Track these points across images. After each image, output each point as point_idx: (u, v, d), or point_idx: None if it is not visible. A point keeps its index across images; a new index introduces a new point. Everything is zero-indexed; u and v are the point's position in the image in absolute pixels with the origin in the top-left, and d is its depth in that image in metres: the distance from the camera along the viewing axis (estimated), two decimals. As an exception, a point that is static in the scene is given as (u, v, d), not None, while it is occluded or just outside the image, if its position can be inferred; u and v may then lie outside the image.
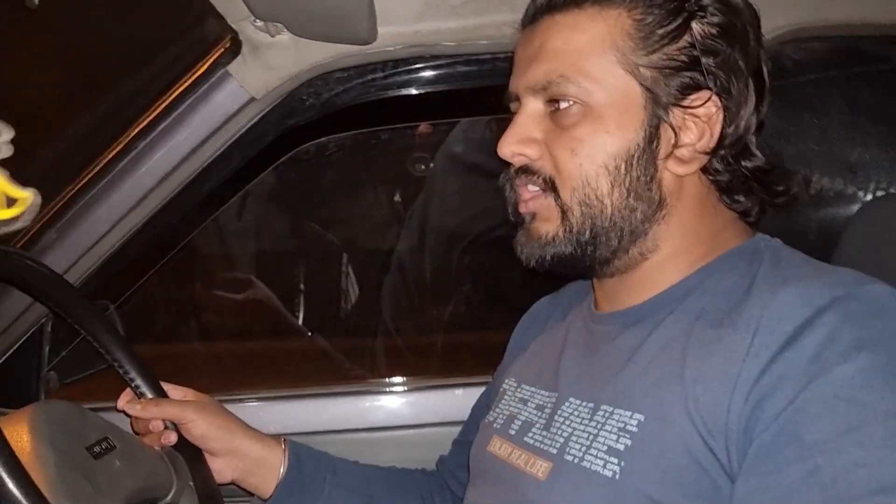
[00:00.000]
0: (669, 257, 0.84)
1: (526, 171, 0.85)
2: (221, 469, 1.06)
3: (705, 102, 0.80)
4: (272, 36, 1.08)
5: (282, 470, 1.07)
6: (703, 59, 0.79)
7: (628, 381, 0.79)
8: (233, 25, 1.07)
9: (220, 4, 1.04)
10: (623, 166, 0.80)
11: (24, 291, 1.10)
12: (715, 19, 0.80)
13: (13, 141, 0.59)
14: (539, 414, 0.89)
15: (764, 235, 0.86)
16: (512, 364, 1.05)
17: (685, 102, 0.80)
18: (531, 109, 0.84)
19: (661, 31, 0.79)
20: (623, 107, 0.80)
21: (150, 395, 1.05)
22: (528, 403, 0.92)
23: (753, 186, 0.84)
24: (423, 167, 2.12)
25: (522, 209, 0.86)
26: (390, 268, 2.16)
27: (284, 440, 1.11)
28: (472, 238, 2.07)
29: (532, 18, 0.86)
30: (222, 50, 1.13)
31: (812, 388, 0.65)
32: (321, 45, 1.11)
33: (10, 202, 0.57)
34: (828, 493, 0.62)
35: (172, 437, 1.03)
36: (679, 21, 0.79)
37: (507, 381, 1.01)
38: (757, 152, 0.83)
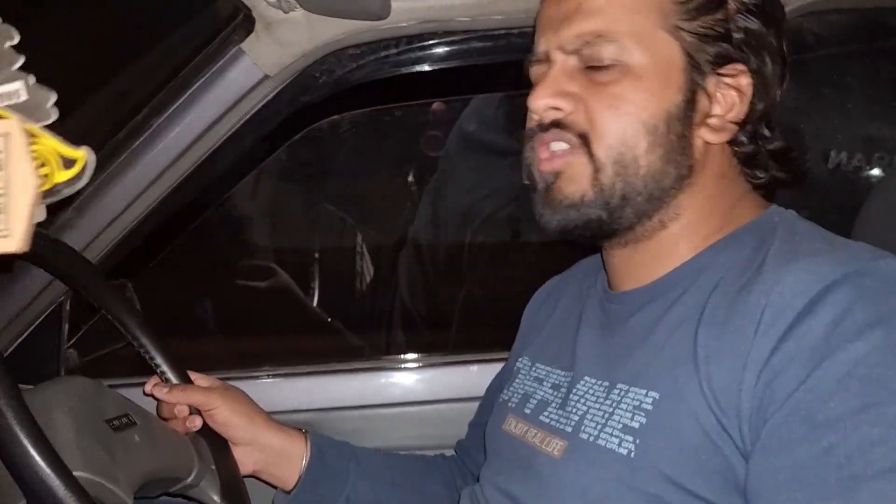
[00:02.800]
0: (686, 228, 0.83)
1: (557, 125, 0.82)
2: (243, 459, 1.07)
3: (739, 75, 0.80)
4: (285, 12, 1.08)
5: (304, 462, 1.07)
6: (741, 31, 0.79)
7: (644, 359, 0.79)
8: (246, 2, 1.07)
9: (233, -19, 1.03)
10: (663, 126, 0.79)
11: (50, 272, 1.10)
12: None
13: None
14: (555, 393, 0.89)
15: (779, 208, 0.85)
16: (525, 343, 1.04)
17: (720, 71, 0.80)
18: (565, 65, 0.82)
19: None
20: (664, 69, 0.79)
21: (175, 381, 1.06)
22: (544, 383, 0.92)
23: (771, 163, 0.85)
24: (436, 145, 2.11)
25: (545, 167, 0.83)
26: (405, 245, 2.17)
27: (306, 432, 1.11)
28: (485, 217, 2.07)
29: None
30: (236, 27, 1.13)
31: (825, 366, 0.64)
32: (334, 22, 1.10)
33: (68, 163, 0.57)
34: (842, 472, 0.61)
35: (197, 422, 1.04)
36: None
37: (520, 360, 1.01)
38: (773, 129, 0.84)
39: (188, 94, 1.15)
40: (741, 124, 0.81)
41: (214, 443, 1.04)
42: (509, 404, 0.96)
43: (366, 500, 1.10)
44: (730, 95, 0.81)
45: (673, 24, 0.79)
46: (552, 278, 1.13)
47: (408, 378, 1.38)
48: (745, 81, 0.80)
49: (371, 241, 2.28)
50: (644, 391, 0.76)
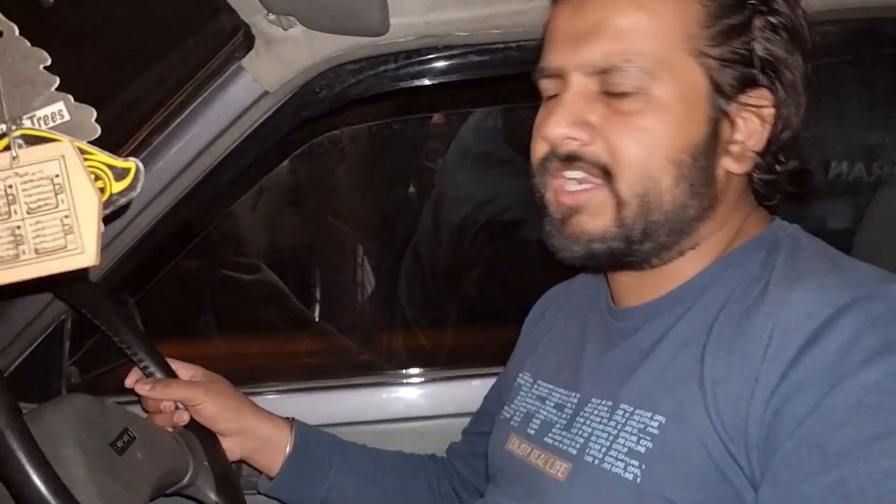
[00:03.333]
0: (699, 251, 0.82)
1: (573, 157, 0.78)
2: (231, 447, 1.08)
3: (762, 101, 0.77)
4: (285, 29, 1.08)
5: (287, 450, 1.08)
6: (764, 56, 0.76)
7: (648, 379, 0.78)
8: (246, 19, 1.08)
9: (233, -1, 1.04)
10: (688, 160, 0.76)
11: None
12: (780, 19, 0.77)
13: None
14: (559, 413, 0.88)
15: (782, 221, 0.84)
16: (525, 357, 1.03)
17: (743, 98, 0.77)
18: (582, 89, 0.77)
19: (730, 23, 0.76)
20: (690, 99, 0.76)
21: (158, 375, 1.06)
22: (547, 402, 0.91)
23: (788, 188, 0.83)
24: (436, 158, 2.12)
25: (568, 200, 0.80)
26: (406, 258, 2.17)
27: (293, 421, 1.12)
28: (481, 224, 2.07)
29: None
30: (236, 44, 1.13)
31: (835, 394, 0.63)
32: (334, 38, 1.11)
33: (120, 174, 0.59)
34: None
35: (185, 417, 1.05)
36: (745, 14, 0.76)
37: (521, 375, 1.00)
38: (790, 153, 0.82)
39: (189, 111, 1.15)
40: (762, 153, 0.79)
41: (203, 436, 1.05)
42: (511, 423, 0.95)
43: (346, 494, 1.11)
44: (751, 122, 0.78)
45: (698, 50, 0.75)
46: (552, 288, 1.12)
47: (410, 393, 1.38)
48: (768, 108, 0.77)
49: (372, 252, 2.28)
50: (650, 414, 0.75)
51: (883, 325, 0.65)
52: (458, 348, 2.07)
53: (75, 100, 0.60)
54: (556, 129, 0.77)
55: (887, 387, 0.62)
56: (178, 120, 1.16)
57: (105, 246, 1.20)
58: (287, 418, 1.13)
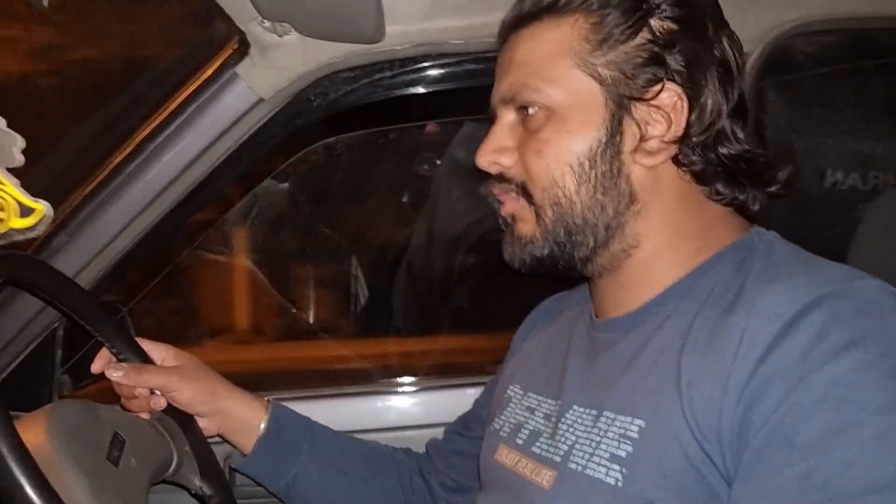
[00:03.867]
0: (656, 254, 0.84)
1: (501, 178, 0.88)
2: (207, 426, 1.09)
3: (662, 93, 0.81)
4: (280, 36, 1.08)
5: (260, 431, 1.09)
6: (662, 53, 0.81)
7: (629, 387, 0.79)
8: (241, 26, 1.08)
9: (228, 5, 1.04)
10: (587, 164, 0.82)
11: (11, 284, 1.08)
12: (671, 14, 0.81)
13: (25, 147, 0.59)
14: (546, 423, 0.89)
15: (759, 229, 0.85)
16: (517, 368, 1.04)
17: (647, 96, 0.81)
18: (504, 120, 0.88)
19: (617, 31, 0.81)
20: (583, 107, 0.82)
21: (131, 358, 1.04)
22: (536, 413, 0.92)
23: (739, 177, 0.84)
24: (430, 167, 2.12)
25: (503, 212, 0.90)
26: (400, 269, 2.17)
27: (269, 401, 1.13)
28: (475, 240, 2.07)
29: (504, 37, 0.90)
30: (230, 51, 1.13)
31: (801, 388, 0.65)
32: (329, 45, 1.11)
33: (25, 212, 0.58)
34: (821, 495, 0.62)
35: (162, 403, 1.05)
36: (635, 19, 0.81)
37: (512, 387, 1.01)
38: (736, 140, 0.83)
39: (183, 117, 1.15)
40: (680, 141, 0.82)
41: (181, 420, 1.05)
42: (501, 433, 0.96)
43: (313, 481, 1.12)
44: (663, 116, 0.82)
45: (589, 63, 0.82)
46: (545, 300, 1.13)
47: (403, 402, 1.37)
48: (675, 99, 0.81)
49: (366, 264, 2.28)
50: (630, 419, 0.76)
51: (848, 321, 0.67)
52: (449, 357, 2.07)
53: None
54: (480, 159, 0.89)
55: (852, 381, 0.64)
56: (172, 126, 1.16)
57: (97, 252, 1.19)
58: (262, 398, 1.13)
